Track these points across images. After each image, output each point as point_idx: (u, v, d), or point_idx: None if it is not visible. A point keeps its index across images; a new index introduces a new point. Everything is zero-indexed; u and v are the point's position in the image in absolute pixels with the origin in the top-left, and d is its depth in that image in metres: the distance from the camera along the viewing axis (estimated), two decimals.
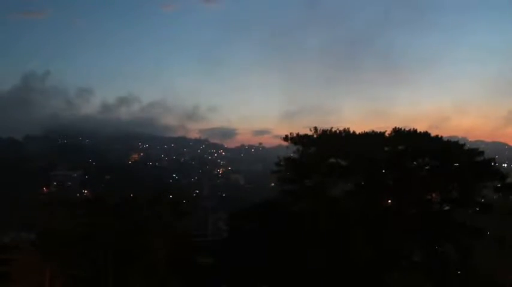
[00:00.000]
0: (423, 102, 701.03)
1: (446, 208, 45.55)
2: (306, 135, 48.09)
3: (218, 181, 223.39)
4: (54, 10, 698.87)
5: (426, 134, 48.25)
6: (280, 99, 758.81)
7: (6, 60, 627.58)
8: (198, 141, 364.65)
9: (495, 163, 48.99)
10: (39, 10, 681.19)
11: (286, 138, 48.66)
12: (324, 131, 48.26)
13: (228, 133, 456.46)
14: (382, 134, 48.79)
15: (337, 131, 48.58)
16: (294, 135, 48.38)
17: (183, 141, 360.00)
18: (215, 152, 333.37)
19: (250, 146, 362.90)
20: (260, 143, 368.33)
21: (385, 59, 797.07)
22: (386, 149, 47.03)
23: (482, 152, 47.77)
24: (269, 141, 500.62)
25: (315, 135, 48.06)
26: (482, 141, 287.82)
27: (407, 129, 49.01)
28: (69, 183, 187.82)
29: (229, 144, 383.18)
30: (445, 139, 49.39)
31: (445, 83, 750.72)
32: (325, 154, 46.61)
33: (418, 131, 48.87)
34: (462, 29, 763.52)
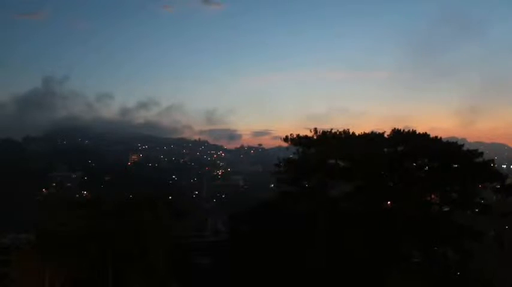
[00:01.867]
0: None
1: (446, 209, 45.57)
2: (305, 137, 48.10)
3: (217, 182, 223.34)
4: (54, 11, 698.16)
5: (425, 135, 48.28)
6: (281, 100, 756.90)
7: (4, 62, 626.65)
8: (197, 143, 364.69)
9: (494, 164, 49.02)
10: (38, 11, 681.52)
11: (286, 139, 48.68)
12: (324, 133, 48.28)
13: (228, 134, 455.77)
14: (381, 135, 48.82)
15: (337, 133, 48.61)
16: (294, 136, 48.41)
17: (182, 142, 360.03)
18: (215, 154, 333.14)
19: (250, 147, 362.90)
20: (260, 145, 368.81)
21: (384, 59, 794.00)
22: (385, 150, 47.07)
23: (481, 153, 47.77)
24: (269, 143, 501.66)
25: (314, 137, 48.08)
26: (481, 143, 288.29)
27: (406, 130, 49.16)
28: (69, 184, 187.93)
29: (229, 145, 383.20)
30: (444, 140, 49.41)
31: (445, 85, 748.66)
32: (325, 155, 46.62)
33: (418, 132, 48.96)
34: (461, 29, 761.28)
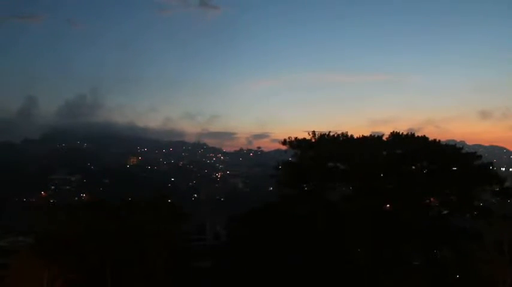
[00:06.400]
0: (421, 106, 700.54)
1: (445, 212, 45.61)
2: (304, 140, 48.13)
3: (216, 185, 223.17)
4: (50, 14, 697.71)
5: (424, 138, 48.36)
6: (281, 103, 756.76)
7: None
8: (196, 145, 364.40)
9: (493, 167, 49.10)
10: (33, 14, 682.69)
11: (284, 142, 48.68)
12: (322, 135, 48.33)
13: (227, 137, 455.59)
14: (380, 138, 48.90)
15: (335, 135, 48.66)
16: (293, 139, 48.42)
17: (181, 145, 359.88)
18: (213, 156, 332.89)
19: (249, 150, 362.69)
20: (259, 147, 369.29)
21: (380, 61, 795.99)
22: (384, 153, 47.10)
23: (480, 156, 47.89)
24: (268, 145, 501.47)
25: (313, 140, 48.11)
26: (480, 146, 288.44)
27: (405, 133, 49.29)
28: (68, 187, 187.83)
29: (228, 148, 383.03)
30: (443, 143, 49.49)
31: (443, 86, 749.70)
32: (324, 158, 46.64)
33: (416, 135, 49.05)
34: (458, 33, 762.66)
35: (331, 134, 48.75)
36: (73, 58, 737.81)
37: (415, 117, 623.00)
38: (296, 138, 48.44)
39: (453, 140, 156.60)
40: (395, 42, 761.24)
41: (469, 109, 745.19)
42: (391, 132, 48.92)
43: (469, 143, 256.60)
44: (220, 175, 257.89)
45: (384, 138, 48.82)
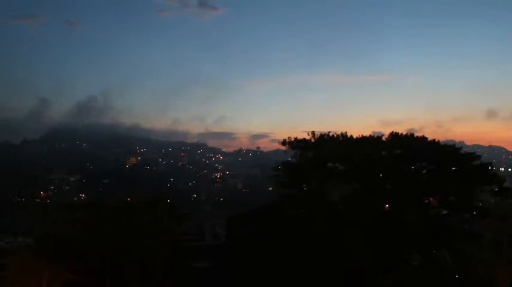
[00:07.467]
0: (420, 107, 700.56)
1: (444, 212, 45.71)
2: (303, 140, 48.26)
3: (216, 185, 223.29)
4: (50, 15, 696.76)
5: (423, 138, 48.49)
6: (280, 104, 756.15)
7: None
8: (195, 146, 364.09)
9: (492, 167, 49.22)
10: (31, 14, 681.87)
11: (284, 142, 48.80)
12: (322, 136, 48.47)
13: (226, 137, 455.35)
14: (379, 138, 49.04)
15: (335, 136, 48.82)
16: (292, 139, 48.54)
17: (181, 145, 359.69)
18: (213, 157, 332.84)
19: (248, 151, 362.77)
20: (258, 148, 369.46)
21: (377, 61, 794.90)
22: (383, 153, 47.21)
23: (479, 156, 48.00)
24: (267, 146, 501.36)
25: (312, 140, 48.24)
26: (479, 146, 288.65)
27: (404, 133, 49.41)
28: (67, 187, 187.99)
29: (227, 148, 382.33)
30: (442, 143, 49.61)
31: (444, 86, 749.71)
32: (323, 158, 46.72)
33: (415, 135, 49.18)
34: (458, 34, 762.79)
35: (331, 134, 48.95)
36: (73, 59, 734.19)
37: (417, 118, 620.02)
38: (296, 138, 48.63)
39: (452, 141, 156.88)
40: (397, 43, 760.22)
41: (469, 110, 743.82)
42: (390, 133, 49.11)
43: (468, 143, 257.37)
44: (220, 175, 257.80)
45: (383, 138, 48.98)
